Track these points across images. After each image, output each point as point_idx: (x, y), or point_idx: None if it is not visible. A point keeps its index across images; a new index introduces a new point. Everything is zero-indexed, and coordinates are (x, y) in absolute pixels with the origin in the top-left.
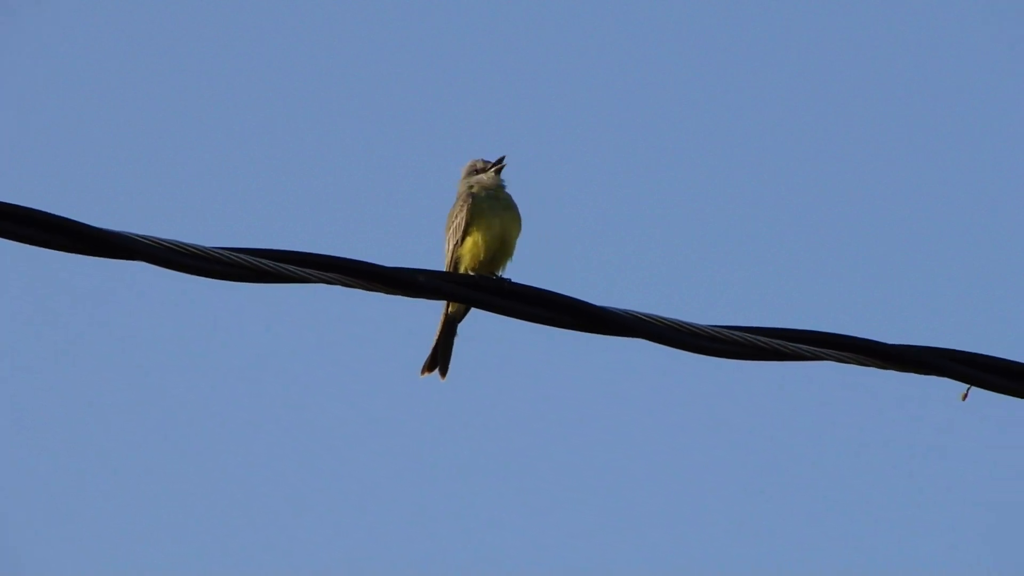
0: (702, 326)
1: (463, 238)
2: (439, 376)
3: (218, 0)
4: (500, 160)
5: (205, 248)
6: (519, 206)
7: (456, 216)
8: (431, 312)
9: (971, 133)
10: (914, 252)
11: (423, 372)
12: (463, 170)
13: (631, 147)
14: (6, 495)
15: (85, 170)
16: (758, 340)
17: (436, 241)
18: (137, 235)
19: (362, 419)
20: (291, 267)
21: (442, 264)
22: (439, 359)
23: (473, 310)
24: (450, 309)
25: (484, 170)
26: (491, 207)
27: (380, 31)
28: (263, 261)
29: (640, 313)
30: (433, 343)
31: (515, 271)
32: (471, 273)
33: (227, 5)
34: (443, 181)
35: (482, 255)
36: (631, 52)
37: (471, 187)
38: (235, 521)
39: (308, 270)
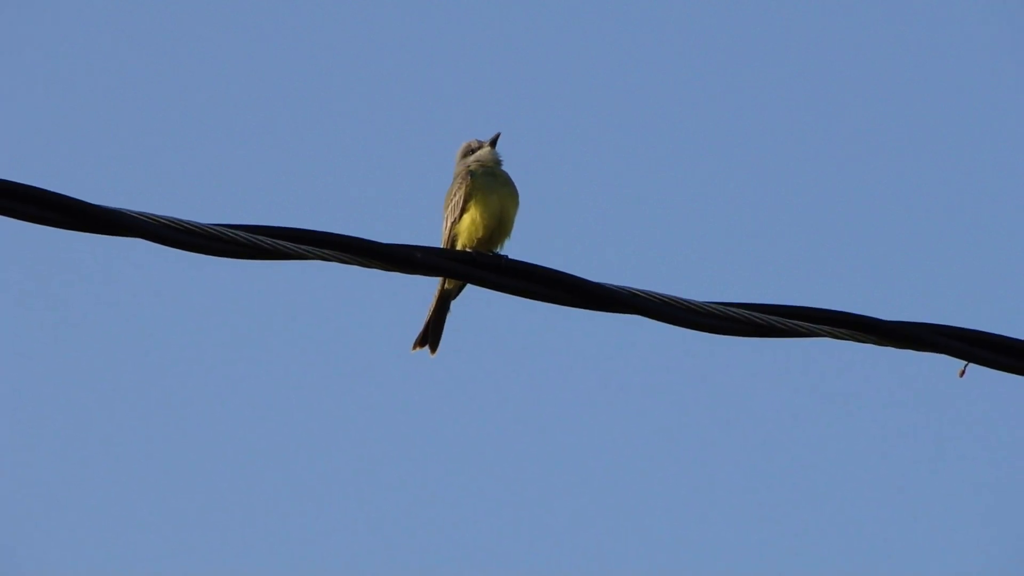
0: (699, 302)
1: (460, 215)
2: (429, 352)
3: None
4: (496, 136)
5: (202, 224)
6: (516, 183)
7: (454, 194)
8: (426, 288)
9: (965, 114)
10: (911, 228)
11: (414, 347)
12: (458, 152)
13: (626, 124)
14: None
15: (81, 147)
16: (755, 316)
17: (433, 219)
18: (133, 211)
19: (355, 394)
20: (288, 244)
21: (439, 242)
22: (430, 335)
23: (468, 287)
24: (446, 285)
25: (479, 148)
26: (488, 184)
27: (376, 13)
28: (260, 238)
29: (637, 289)
30: (426, 319)
31: (512, 249)
32: (468, 250)
33: None
34: (439, 159)
35: (480, 232)
36: (625, 28)
37: (468, 165)
38: (227, 496)
39: (305, 247)
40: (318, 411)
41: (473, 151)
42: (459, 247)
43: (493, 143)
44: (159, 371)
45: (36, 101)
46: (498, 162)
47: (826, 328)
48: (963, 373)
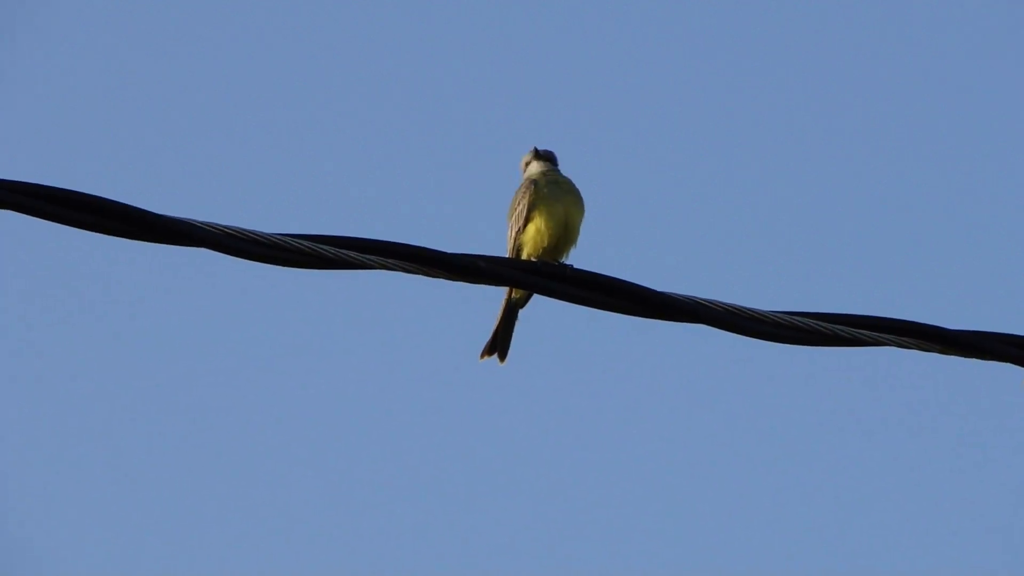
0: (764, 312)
1: (525, 225)
2: (498, 360)
3: None
4: (531, 149)
5: (266, 234)
6: (580, 191)
7: (518, 203)
8: (493, 297)
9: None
10: (977, 236)
11: (482, 356)
12: (523, 159)
13: (690, 131)
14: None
15: (145, 158)
16: (819, 326)
17: (499, 228)
18: (198, 221)
19: (422, 402)
20: (352, 253)
21: (504, 252)
22: (499, 344)
23: (535, 296)
24: (513, 295)
25: (547, 158)
26: (552, 192)
27: (445, 21)
28: (323, 247)
29: (701, 299)
30: (494, 328)
31: (579, 258)
32: (533, 259)
33: None
34: (505, 167)
35: (545, 242)
36: (686, 36)
37: (531, 175)
38: (297, 495)
39: (369, 256)
40: (386, 421)
41: (537, 158)
42: (525, 257)
43: (536, 156)
44: (225, 381)
45: (100, 113)
46: (556, 171)
47: (891, 337)
48: None
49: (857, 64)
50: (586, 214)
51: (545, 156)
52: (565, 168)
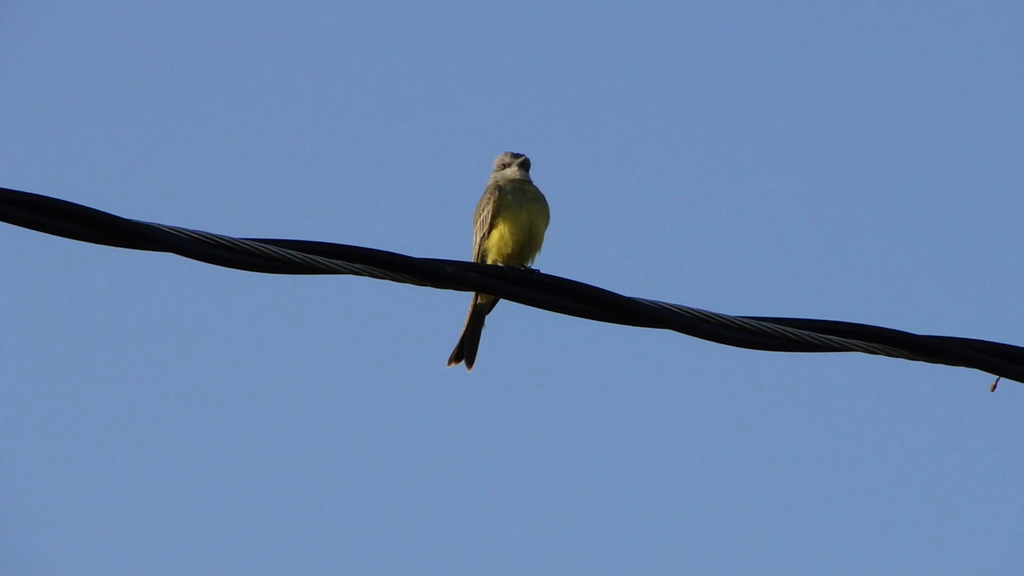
0: (731, 317)
1: (489, 231)
2: (465, 367)
3: None
4: (521, 157)
5: (233, 239)
6: (548, 197)
7: (483, 209)
8: (458, 303)
9: (998, 118)
10: (943, 242)
11: (449, 363)
12: (494, 162)
13: (658, 137)
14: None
15: (113, 162)
16: (787, 331)
17: (463, 232)
18: (165, 226)
19: (388, 409)
20: (319, 258)
21: (469, 256)
22: (466, 350)
23: (501, 301)
24: (479, 300)
25: (510, 165)
26: (517, 199)
27: (409, 25)
28: (291, 252)
29: (669, 304)
30: (460, 334)
31: (545, 263)
32: (501, 265)
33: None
34: (470, 172)
35: (509, 248)
36: (659, 42)
37: (498, 180)
38: (265, 508)
39: (337, 261)
40: (352, 427)
41: (506, 165)
42: (490, 262)
43: (520, 164)
44: (189, 385)
45: (65, 117)
46: (527, 180)
47: (859, 343)
48: (995, 387)
49: (824, 68)
50: (552, 221)
51: (524, 165)
52: (532, 172)
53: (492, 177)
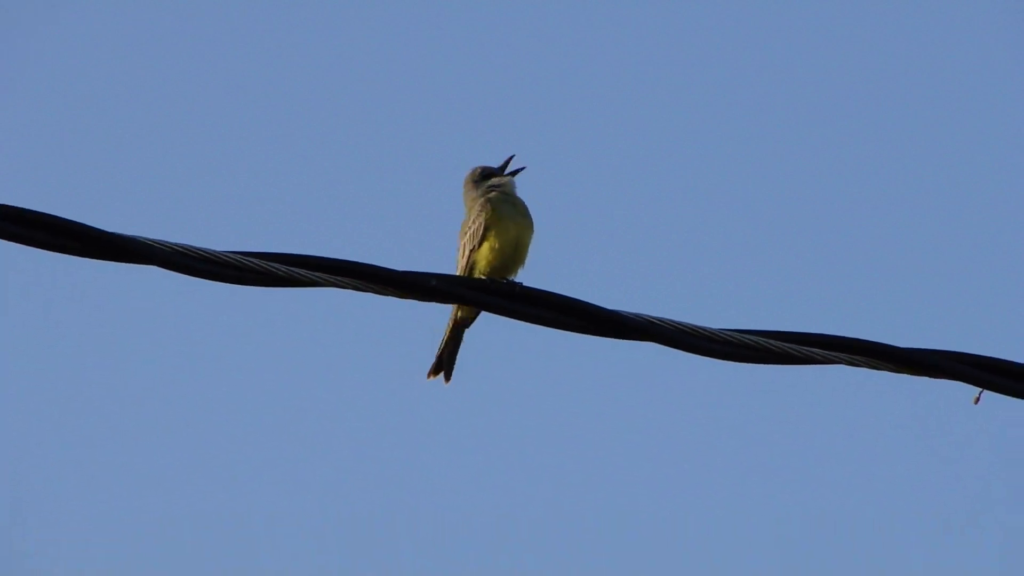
0: (714, 330)
1: (480, 243)
2: (443, 381)
3: (225, 6)
4: (509, 160)
5: (217, 252)
6: (530, 209)
7: (473, 221)
8: (440, 315)
9: (980, 133)
10: (927, 255)
11: (429, 376)
12: (468, 177)
13: (640, 150)
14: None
15: (96, 175)
16: (770, 344)
17: (442, 245)
18: (149, 239)
19: (370, 422)
20: (303, 271)
21: (451, 269)
22: (444, 364)
23: (482, 314)
24: (459, 314)
25: (495, 175)
26: (509, 212)
27: (386, 37)
28: (275, 265)
29: (652, 316)
30: (440, 347)
31: (527, 275)
32: (484, 277)
33: (233, 11)
34: (447, 186)
35: (497, 260)
36: (640, 52)
37: (488, 192)
38: (247, 516)
39: (320, 274)
40: (333, 440)
41: (485, 177)
42: (476, 274)
43: (513, 173)
44: (175, 399)
45: (48, 129)
46: (515, 192)
47: (842, 355)
48: (978, 400)
49: (807, 78)
50: (534, 233)
51: (496, 174)
52: (518, 184)
53: (477, 189)
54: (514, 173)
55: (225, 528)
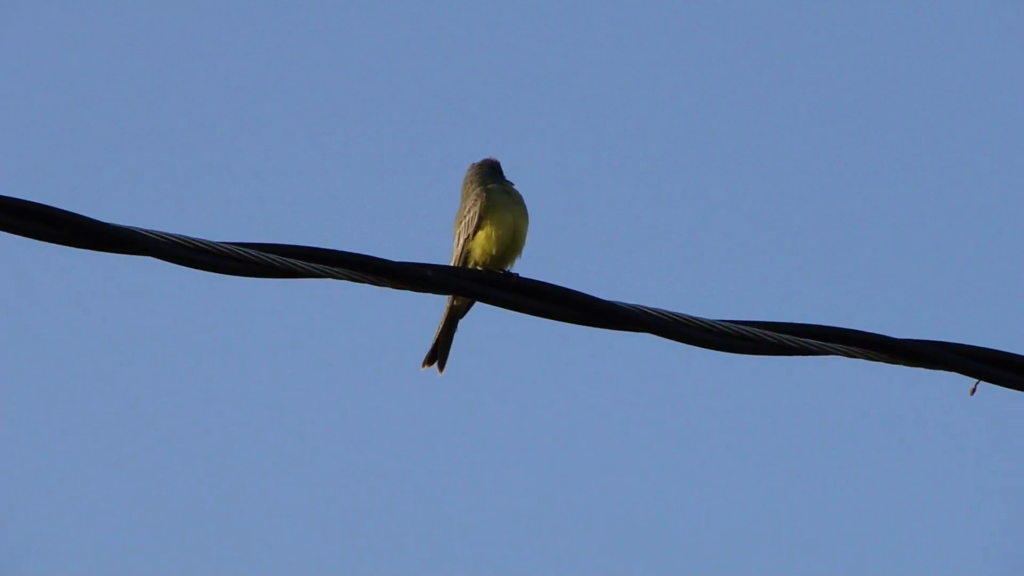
0: (710, 320)
1: (475, 232)
2: (437, 371)
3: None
4: (492, 162)
5: (213, 243)
6: (526, 201)
7: (468, 210)
8: (435, 305)
9: (977, 124)
10: (922, 246)
11: (423, 365)
12: (467, 171)
13: (637, 141)
14: (9, 495)
15: (91, 166)
16: (766, 335)
17: (439, 236)
18: (144, 230)
19: (364, 412)
20: (299, 262)
21: (447, 260)
22: (439, 353)
23: (477, 305)
24: (455, 303)
25: (502, 175)
26: (505, 202)
27: (385, 29)
28: (270, 256)
29: (648, 307)
30: (435, 337)
31: (523, 267)
32: (479, 268)
33: (230, 5)
34: (445, 177)
35: (494, 250)
36: (636, 45)
37: (484, 182)
38: (242, 508)
39: (316, 265)
40: (328, 430)
41: (493, 171)
42: (472, 264)
43: (498, 171)
44: (170, 389)
45: (44, 120)
46: (511, 183)
47: (838, 346)
48: (974, 391)
49: (802, 75)
50: (529, 224)
51: (491, 169)
52: (509, 175)
53: (472, 183)
54: (498, 171)
55: (221, 515)
